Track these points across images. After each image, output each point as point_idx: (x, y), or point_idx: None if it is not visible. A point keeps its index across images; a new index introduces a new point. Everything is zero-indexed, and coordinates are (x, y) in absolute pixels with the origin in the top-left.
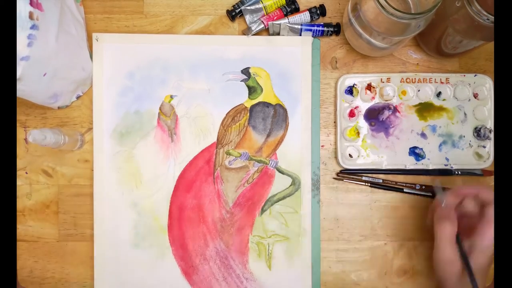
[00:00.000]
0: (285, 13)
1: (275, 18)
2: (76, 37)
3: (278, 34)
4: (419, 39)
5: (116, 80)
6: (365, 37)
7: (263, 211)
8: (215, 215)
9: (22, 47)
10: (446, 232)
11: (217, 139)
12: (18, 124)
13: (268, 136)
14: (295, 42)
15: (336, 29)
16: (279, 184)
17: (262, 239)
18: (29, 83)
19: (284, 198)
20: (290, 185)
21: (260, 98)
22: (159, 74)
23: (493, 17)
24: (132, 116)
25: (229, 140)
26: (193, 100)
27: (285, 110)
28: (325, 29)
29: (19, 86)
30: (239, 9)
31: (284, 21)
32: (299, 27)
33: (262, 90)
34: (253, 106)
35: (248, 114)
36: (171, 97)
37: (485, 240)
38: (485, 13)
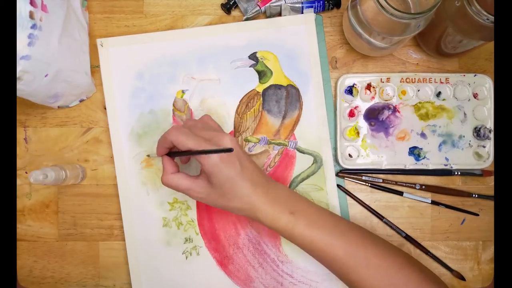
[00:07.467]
0: None
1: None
2: (79, 41)
3: (279, 15)
4: (419, 39)
5: (126, 83)
6: (365, 37)
7: None
8: None
9: (22, 47)
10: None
11: (234, 128)
12: (18, 124)
13: (284, 118)
14: (298, 20)
15: (337, 1)
16: (302, 164)
17: None
18: (30, 83)
19: (308, 177)
20: (312, 164)
21: (271, 81)
22: (167, 70)
23: (493, 17)
24: (147, 116)
25: (246, 127)
26: (205, 92)
27: (297, 90)
28: (326, 3)
29: (19, 85)
30: (233, 0)
31: (281, 2)
32: (300, 5)
33: (271, 73)
34: (265, 90)
35: (261, 98)
36: (183, 92)
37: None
38: (485, 13)
